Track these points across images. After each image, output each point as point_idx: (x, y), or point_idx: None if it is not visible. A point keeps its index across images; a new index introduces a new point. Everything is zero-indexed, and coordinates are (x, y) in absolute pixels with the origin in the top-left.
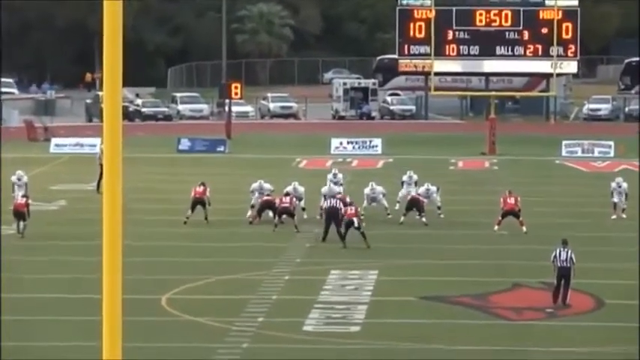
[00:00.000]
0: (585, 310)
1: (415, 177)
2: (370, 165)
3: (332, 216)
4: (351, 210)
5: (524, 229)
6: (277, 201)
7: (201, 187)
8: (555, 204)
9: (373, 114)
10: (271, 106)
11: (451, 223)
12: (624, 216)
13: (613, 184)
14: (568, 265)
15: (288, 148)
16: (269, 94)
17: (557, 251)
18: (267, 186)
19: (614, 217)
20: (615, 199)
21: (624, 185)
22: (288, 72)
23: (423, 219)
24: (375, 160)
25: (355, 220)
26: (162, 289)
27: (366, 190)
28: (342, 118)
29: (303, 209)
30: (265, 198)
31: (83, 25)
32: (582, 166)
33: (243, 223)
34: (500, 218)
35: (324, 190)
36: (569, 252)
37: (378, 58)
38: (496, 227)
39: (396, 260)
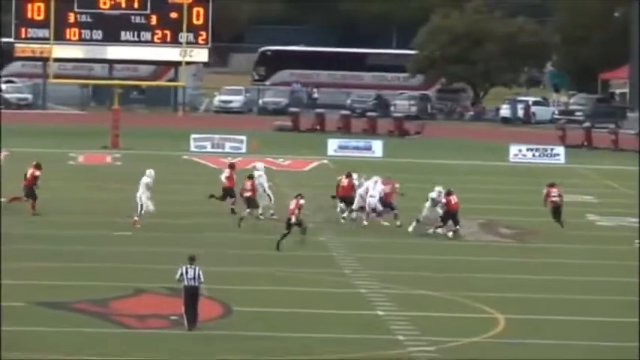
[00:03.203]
0: (211, 318)
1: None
2: None
3: None
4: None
5: None
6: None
7: (229, 171)
8: (186, 203)
9: None
10: None
11: (70, 222)
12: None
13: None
14: (196, 284)
15: None
16: None
17: (184, 269)
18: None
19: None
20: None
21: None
22: None
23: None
24: None
25: (292, 217)
26: None
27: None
28: None
29: None
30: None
31: None
32: (212, 161)
33: None
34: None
35: None
36: (197, 269)
37: None
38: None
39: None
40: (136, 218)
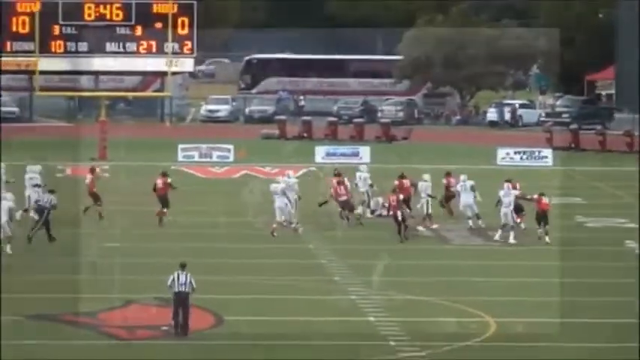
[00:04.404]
0: (203, 328)
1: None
2: None
3: None
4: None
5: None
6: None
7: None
8: (175, 214)
9: None
10: None
11: (59, 235)
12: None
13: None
14: (187, 289)
15: None
16: None
17: (175, 275)
18: None
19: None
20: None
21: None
22: None
23: None
24: None
25: (398, 213)
26: None
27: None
28: None
29: None
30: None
31: None
32: (199, 171)
33: None
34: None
35: None
36: (188, 276)
37: None
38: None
39: None
40: (274, 225)
